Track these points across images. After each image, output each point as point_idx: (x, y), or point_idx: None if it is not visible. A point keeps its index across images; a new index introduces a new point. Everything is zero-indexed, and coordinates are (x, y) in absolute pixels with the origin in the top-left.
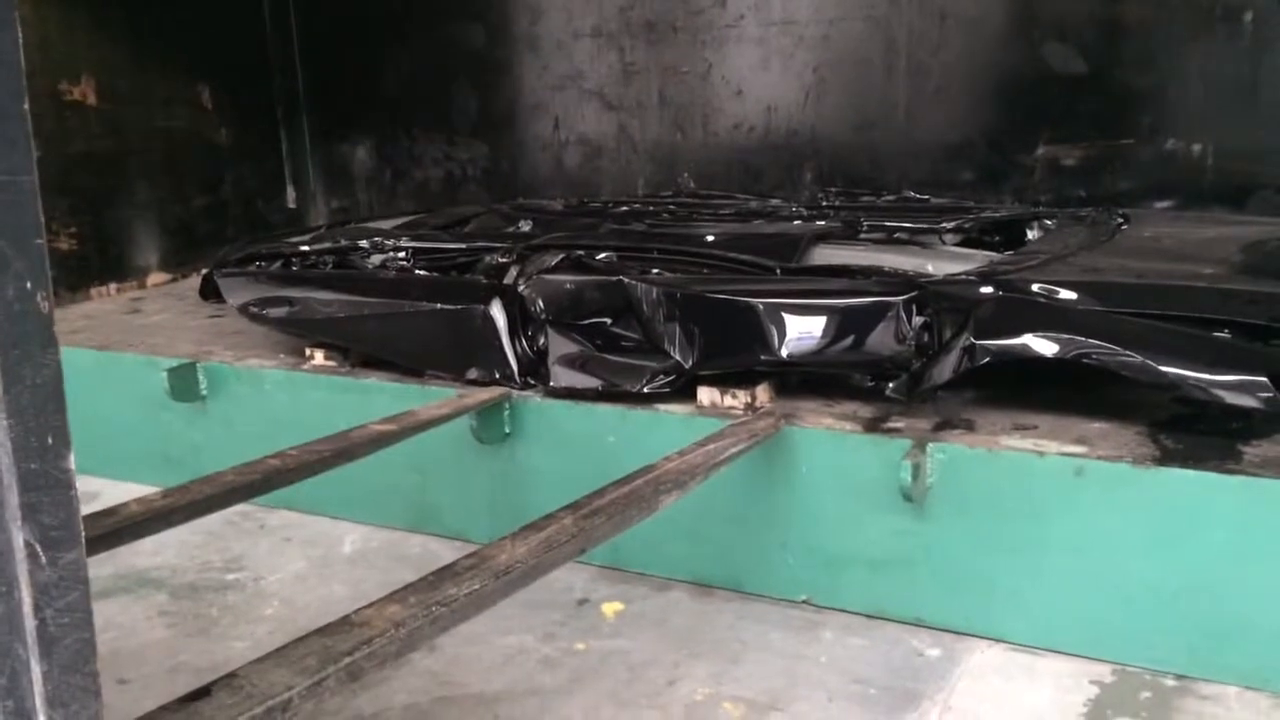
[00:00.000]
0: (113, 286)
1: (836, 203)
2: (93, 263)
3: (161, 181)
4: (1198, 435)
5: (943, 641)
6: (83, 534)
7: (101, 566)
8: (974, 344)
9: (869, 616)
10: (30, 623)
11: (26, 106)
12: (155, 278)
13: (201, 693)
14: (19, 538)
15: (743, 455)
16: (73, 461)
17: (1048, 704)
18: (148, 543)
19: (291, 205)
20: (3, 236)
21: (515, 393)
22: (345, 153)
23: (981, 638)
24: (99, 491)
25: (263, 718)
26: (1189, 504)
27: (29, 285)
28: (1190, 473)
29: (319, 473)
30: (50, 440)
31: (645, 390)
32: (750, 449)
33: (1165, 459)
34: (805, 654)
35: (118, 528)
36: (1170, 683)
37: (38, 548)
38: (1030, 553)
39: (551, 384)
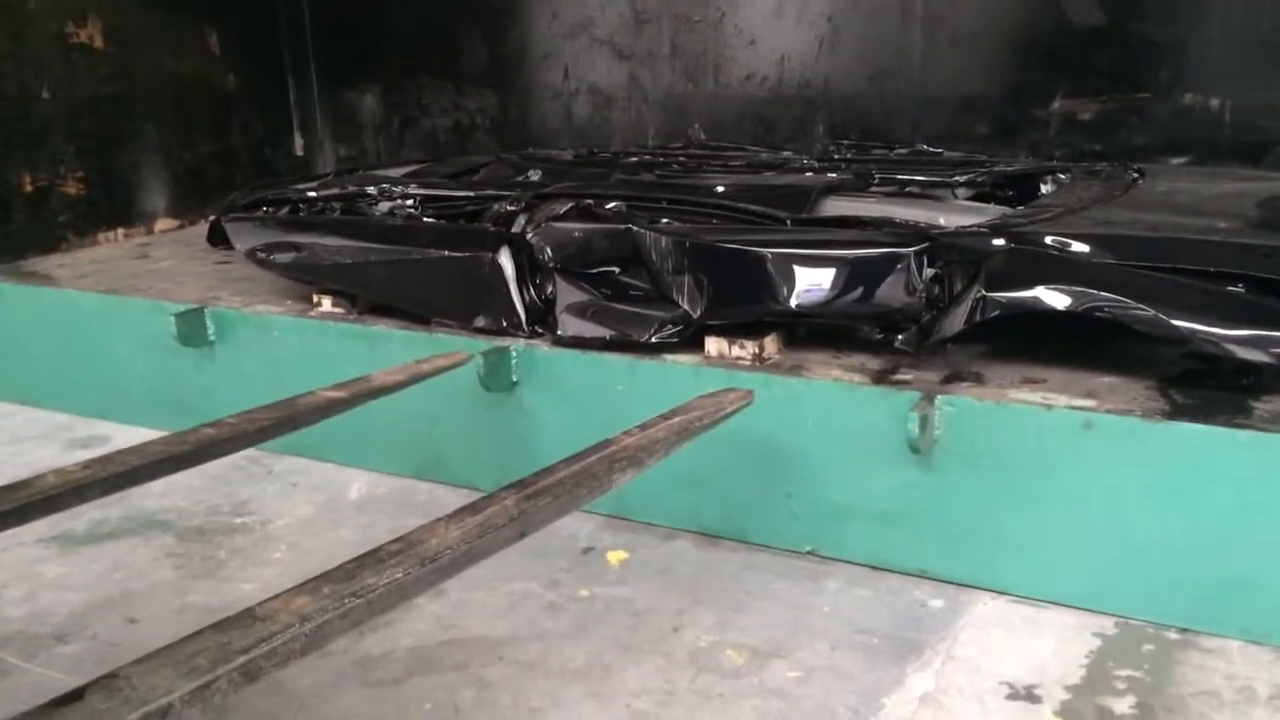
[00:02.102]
0: (120, 232)
1: (848, 155)
2: (100, 207)
3: (169, 127)
4: (1208, 390)
5: (946, 593)
6: None
7: (110, 508)
8: (985, 296)
9: (873, 568)
10: None
11: None
12: (163, 224)
13: (74, 696)
14: None
15: (710, 429)
16: None
17: (1050, 655)
18: (156, 485)
19: (299, 153)
20: None
21: (523, 341)
22: (353, 100)
23: (985, 590)
24: (110, 435)
25: None
26: (1197, 458)
27: None
28: (1199, 427)
29: (258, 442)
30: None
31: (653, 340)
32: (718, 423)
33: (1175, 413)
34: (809, 604)
35: (28, 502)
36: (1173, 636)
37: None
38: (1037, 505)
39: (559, 333)
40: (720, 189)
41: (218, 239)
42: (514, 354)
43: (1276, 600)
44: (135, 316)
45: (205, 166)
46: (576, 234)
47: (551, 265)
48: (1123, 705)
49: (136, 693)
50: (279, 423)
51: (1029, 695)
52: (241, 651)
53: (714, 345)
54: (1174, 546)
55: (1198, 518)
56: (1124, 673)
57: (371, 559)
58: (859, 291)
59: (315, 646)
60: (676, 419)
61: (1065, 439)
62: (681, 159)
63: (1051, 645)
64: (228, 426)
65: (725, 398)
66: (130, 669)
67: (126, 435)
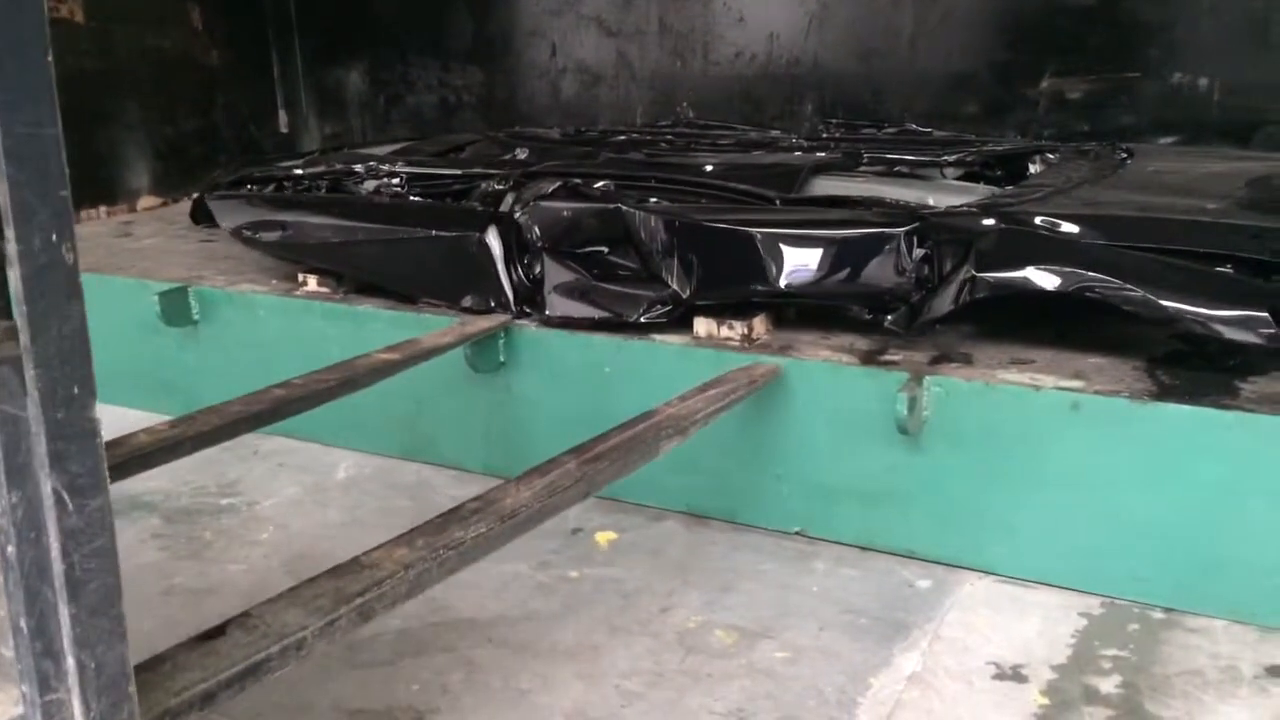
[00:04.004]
0: (103, 209)
1: (837, 134)
2: (82, 185)
3: (152, 103)
4: (1195, 371)
5: (934, 573)
6: (108, 481)
7: None
8: (975, 276)
9: (861, 548)
10: (58, 567)
11: (50, 58)
12: (146, 201)
13: (216, 632)
14: (47, 485)
15: (743, 399)
16: (97, 410)
17: (1036, 635)
18: None
19: (284, 130)
20: (28, 187)
21: (512, 321)
22: (339, 77)
23: (972, 570)
24: None
25: (278, 656)
26: (1184, 439)
27: (54, 237)
28: (1186, 408)
29: (325, 401)
30: (76, 390)
31: (642, 320)
32: (750, 394)
33: (1162, 394)
34: (797, 584)
35: (126, 459)
36: (1158, 615)
37: (65, 495)
38: (1024, 486)
39: (548, 313)
40: (709, 168)
41: (201, 216)
42: (501, 334)
43: (1261, 580)
44: (118, 295)
45: (188, 144)
46: (565, 213)
47: (539, 245)
48: (1108, 685)
49: (272, 629)
50: (342, 383)
51: (1015, 675)
52: (358, 594)
53: (703, 326)
54: (1160, 527)
55: (1184, 498)
56: (1110, 652)
57: (455, 516)
58: (848, 271)
59: (417, 591)
60: (712, 390)
61: (1053, 420)
62: (670, 138)
63: (1038, 625)
64: (296, 387)
65: (755, 371)
66: (261, 609)
67: (110, 416)
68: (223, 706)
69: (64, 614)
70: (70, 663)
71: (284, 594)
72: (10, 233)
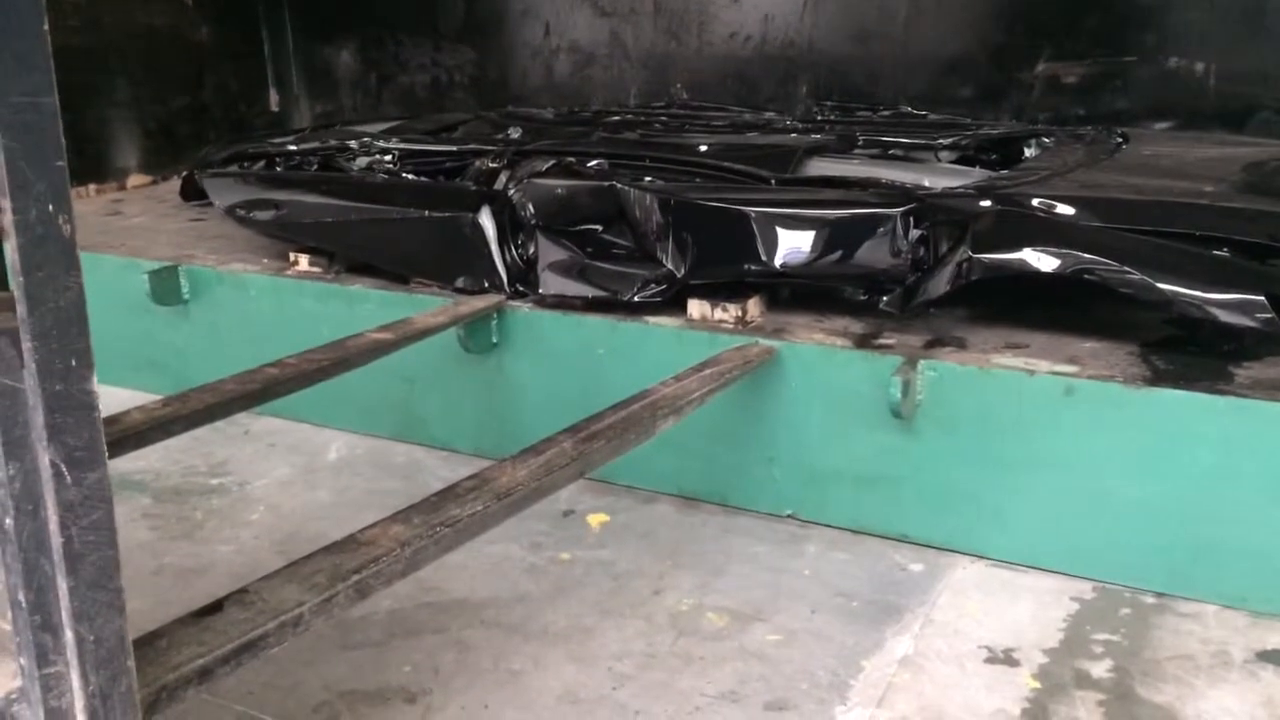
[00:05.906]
0: (92, 187)
1: (832, 117)
2: (71, 163)
3: (141, 80)
4: (1189, 356)
5: (926, 557)
6: (106, 454)
7: None
8: (971, 258)
9: (853, 532)
10: (56, 540)
11: (47, 27)
12: (135, 180)
13: (213, 608)
14: (44, 458)
15: (738, 380)
16: (95, 383)
17: (1028, 619)
18: None
19: (274, 109)
20: (24, 159)
21: (505, 302)
22: (329, 55)
23: (965, 554)
24: None
25: (275, 633)
26: (1177, 424)
27: (51, 208)
28: (1180, 393)
29: (317, 381)
30: (74, 363)
31: (636, 299)
32: (745, 374)
33: (1156, 379)
34: (789, 567)
35: (120, 437)
36: (1150, 600)
37: (63, 467)
38: (1017, 471)
39: (541, 291)
40: (704, 148)
41: (191, 194)
42: (494, 315)
43: (1252, 565)
44: (108, 274)
45: (178, 122)
46: (559, 191)
47: (533, 223)
48: (1100, 669)
49: (269, 605)
50: (335, 363)
51: (1007, 659)
52: (354, 571)
53: (696, 308)
54: (1153, 511)
55: (1177, 483)
56: (1101, 636)
57: (451, 494)
58: (844, 252)
59: (413, 569)
60: (708, 370)
61: (1046, 405)
62: (663, 118)
63: (1030, 609)
64: (289, 367)
65: (750, 351)
66: (258, 585)
67: (101, 394)
68: (217, 684)
69: (62, 587)
70: (69, 636)
71: (281, 570)
72: (7, 204)
